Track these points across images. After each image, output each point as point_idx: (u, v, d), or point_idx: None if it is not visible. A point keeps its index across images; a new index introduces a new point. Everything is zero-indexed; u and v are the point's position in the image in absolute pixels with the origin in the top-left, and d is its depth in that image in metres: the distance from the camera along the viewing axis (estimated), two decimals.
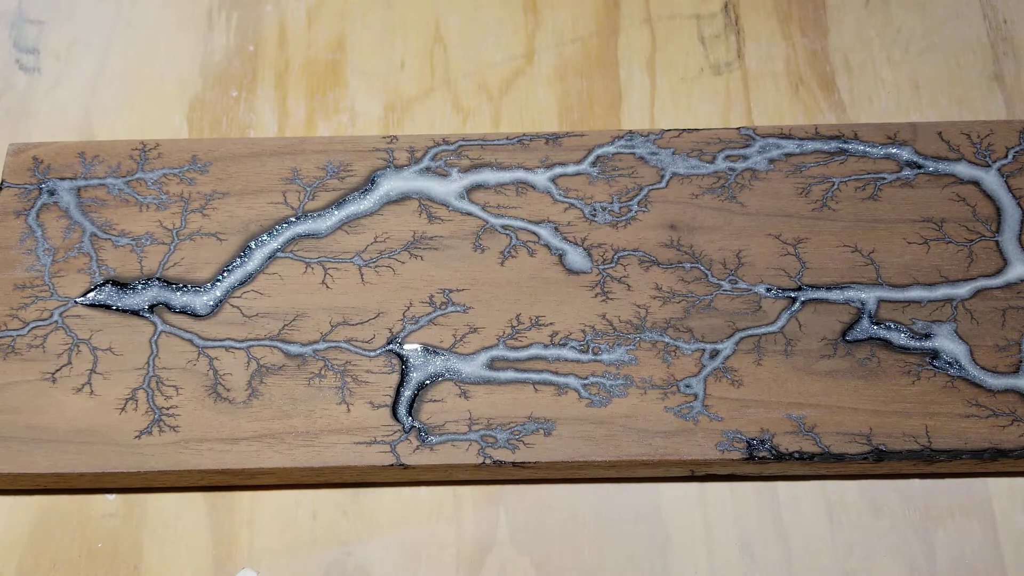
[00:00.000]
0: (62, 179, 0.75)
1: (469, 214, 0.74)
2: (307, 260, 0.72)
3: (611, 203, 0.74)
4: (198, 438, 0.67)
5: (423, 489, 0.69)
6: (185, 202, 0.74)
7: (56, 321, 0.70)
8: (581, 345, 0.69)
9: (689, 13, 0.85)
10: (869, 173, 0.74)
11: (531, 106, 0.81)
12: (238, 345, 0.70)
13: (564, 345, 0.69)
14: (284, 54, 0.83)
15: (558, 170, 0.75)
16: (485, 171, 0.75)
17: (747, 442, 0.66)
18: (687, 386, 0.68)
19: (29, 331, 0.70)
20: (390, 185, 0.75)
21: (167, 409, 0.68)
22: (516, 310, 0.71)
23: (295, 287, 0.72)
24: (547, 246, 0.73)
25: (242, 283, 0.72)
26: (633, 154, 0.75)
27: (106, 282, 0.72)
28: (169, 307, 0.71)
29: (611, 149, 0.75)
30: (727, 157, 0.75)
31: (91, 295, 0.71)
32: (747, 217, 0.73)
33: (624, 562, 0.67)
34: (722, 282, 0.71)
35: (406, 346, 0.70)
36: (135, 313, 0.71)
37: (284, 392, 0.68)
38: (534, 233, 0.73)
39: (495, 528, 0.68)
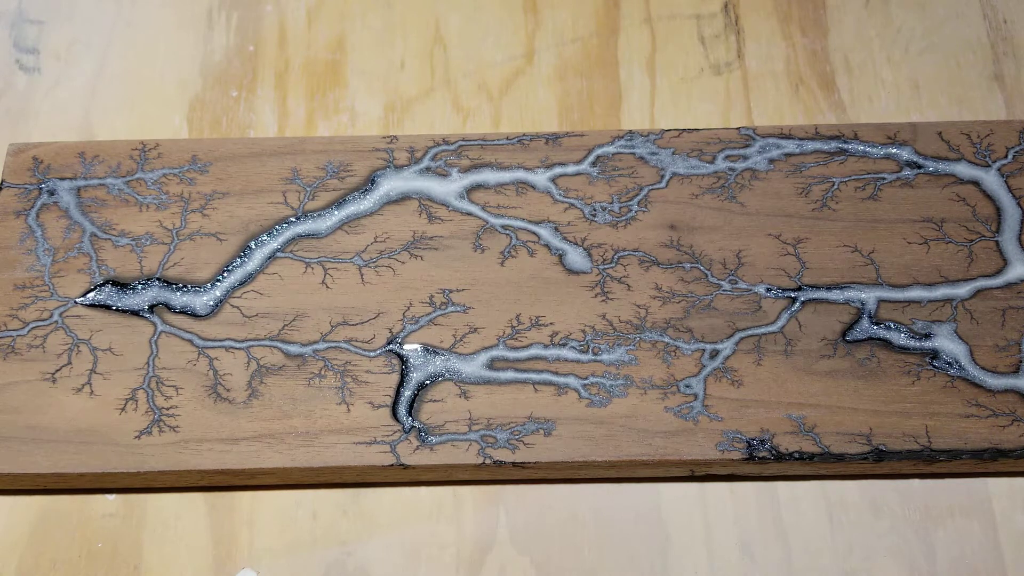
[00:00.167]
0: (62, 179, 0.75)
1: (469, 214, 0.74)
2: (307, 260, 0.72)
3: (611, 203, 0.74)
4: (198, 438, 0.67)
5: (423, 489, 0.69)
6: (185, 202, 0.74)
7: (56, 321, 0.70)
8: (581, 345, 0.69)
9: (689, 13, 0.85)
10: (869, 173, 0.74)
11: (531, 106, 0.81)
12: (238, 345, 0.70)
13: (564, 345, 0.69)
14: (284, 54, 0.83)
15: (558, 170, 0.75)
16: (485, 171, 0.75)
17: (747, 442, 0.66)
18: (687, 386, 0.68)
19: (29, 331, 0.70)
20: (390, 185, 0.75)
21: (167, 409, 0.68)
22: (516, 310, 0.71)
23: (295, 287, 0.72)
24: (547, 246, 0.73)
25: (242, 283, 0.72)
26: (633, 154, 0.75)
27: (106, 282, 0.72)
28: (169, 307, 0.71)
29: (611, 149, 0.75)
30: (727, 157, 0.75)
31: (91, 295, 0.71)
32: (747, 217, 0.73)
33: (624, 562, 0.67)
34: (722, 282, 0.71)
35: (406, 346, 0.70)
36: (135, 313, 0.71)
37: (284, 392, 0.68)
38: (534, 233, 0.73)
39: (495, 528, 0.68)
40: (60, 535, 0.68)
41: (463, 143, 0.76)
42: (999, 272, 0.71)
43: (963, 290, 0.71)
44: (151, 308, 0.71)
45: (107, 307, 0.71)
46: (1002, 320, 0.70)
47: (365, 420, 0.67)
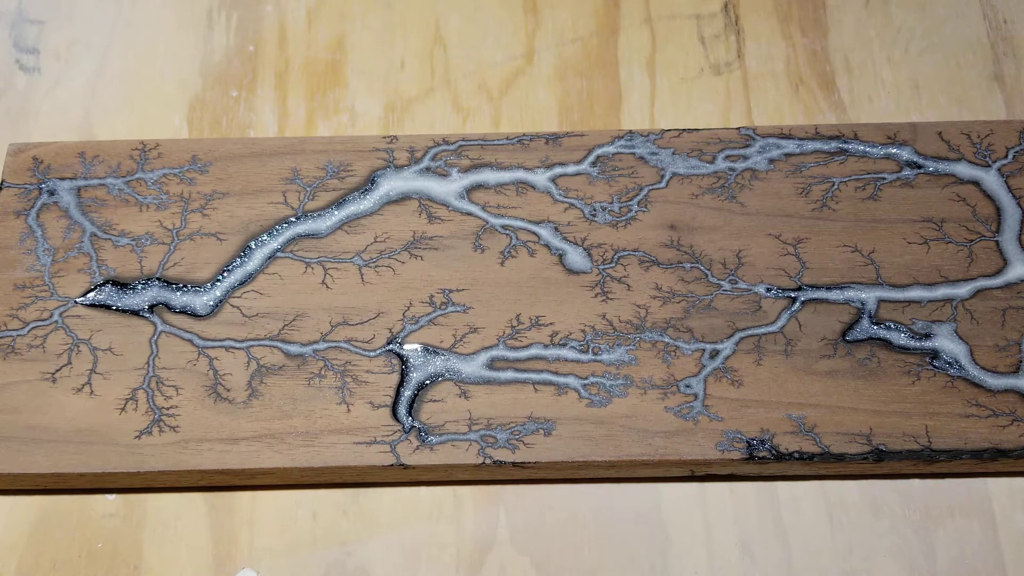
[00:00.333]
0: (62, 179, 0.75)
1: (469, 214, 0.74)
2: (307, 260, 0.72)
3: (611, 203, 0.74)
4: (198, 438, 0.67)
5: (423, 489, 0.69)
6: (185, 202, 0.74)
7: (56, 321, 0.70)
8: (581, 345, 0.69)
9: (689, 13, 0.85)
10: (869, 173, 0.74)
11: (531, 106, 0.81)
12: (238, 345, 0.70)
13: (564, 345, 0.69)
14: (284, 54, 0.83)
15: (558, 170, 0.75)
16: (485, 171, 0.75)
17: (747, 442, 0.66)
18: (687, 386, 0.68)
19: (29, 331, 0.70)
20: (390, 185, 0.75)
21: (167, 409, 0.68)
22: (516, 310, 0.71)
23: (295, 287, 0.72)
24: (547, 246, 0.73)
25: (242, 283, 0.72)
26: (633, 154, 0.75)
27: (106, 282, 0.72)
28: (169, 307, 0.71)
29: (611, 149, 0.75)
30: (727, 157, 0.75)
31: (91, 295, 0.71)
32: (747, 217, 0.73)
33: (624, 562, 0.67)
34: (722, 282, 0.71)
35: (406, 346, 0.70)
36: (135, 313, 0.71)
37: (284, 392, 0.68)
38: (534, 233, 0.73)
39: (495, 528, 0.68)
40: (60, 535, 0.68)
41: (463, 143, 0.76)
42: (999, 272, 0.71)
43: (963, 290, 0.71)
44: (151, 308, 0.71)
45: (107, 307, 0.71)
46: (1002, 320, 0.70)
47: (365, 420, 0.67)
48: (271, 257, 0.73)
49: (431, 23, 0.85)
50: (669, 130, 0.76)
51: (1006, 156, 0.75)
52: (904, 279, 0.71)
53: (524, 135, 0.76)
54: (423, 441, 0.67)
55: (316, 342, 0.70)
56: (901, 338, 0.69)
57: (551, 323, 0.70)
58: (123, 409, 0.68)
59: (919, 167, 0.75)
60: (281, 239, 0.73)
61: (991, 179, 0.74)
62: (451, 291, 0.71)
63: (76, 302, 0.71)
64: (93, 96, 0.82)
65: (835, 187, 0.74)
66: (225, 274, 0.72)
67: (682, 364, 0.69)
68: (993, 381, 0.68)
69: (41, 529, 0.68)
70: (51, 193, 0.74)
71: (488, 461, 0.66)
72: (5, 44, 0.84)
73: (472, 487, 0.69)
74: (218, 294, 0.71)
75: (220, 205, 0.74)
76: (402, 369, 0.69)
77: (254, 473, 0.67)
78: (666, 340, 0.69)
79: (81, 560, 0.67)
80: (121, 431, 0.67)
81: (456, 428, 0.67)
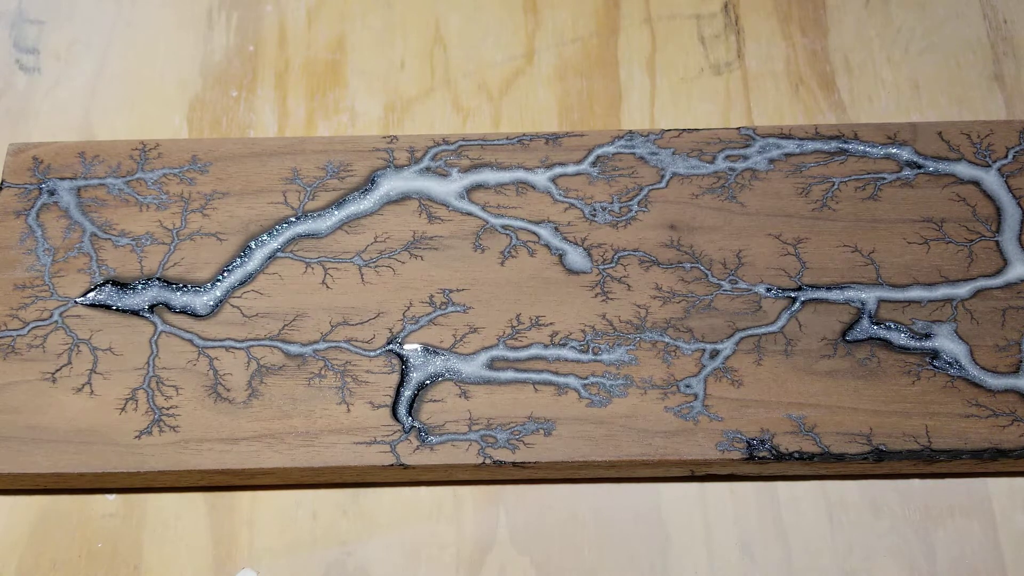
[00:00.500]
0: (62, 179, 0.75)
1: (469, 214, 0.74)
2: (307, 260, 0.72)
3: (611, 203, 0.74)
4: (198, 438, 0.67)
5: (423, 489, 0.69)
6: (185, 202, 0.74)
7: (56, 321, 0.70)
8: (581, 345, 0.69)
9: (689, 13, 0.85)
10: (869, 173, 0.74)
11: (531, 106, 0.81)
12: (238, 345, 0.70)
13: (564, 345, 0.69)
14: (284, 54, 0.83)
15: (558, 170, 0.75)
16: (485, 171, 0.75)
17: (747, 442, 0.66)
18: (687, 386, 0.68)
19: (29, 331, 0.70)
20: (390, 185, 0.75)
21: (167, 409, 0.68)
22: (516, 310, 0.71)
23: (295, 287, 0.72)
24: (547, 246, 0.73)
25: (242, 283, 0.72)
26: (633, 154, 0.75)
27: (106, 282, 0.72)
28: (169, 307, 0.71)
29: (611, 149, 0.75)
30: (727, 157, 0.75)
31: (91, 295, 0.71)
32: (747, 217, 0.73)
33: (624, 562, 0.67)
34: (722, 282, 0.71)
35: (406, 346, 0.70)
36: (135, 313, 0.71)
37: (284, 392, 0.68)
38: (534, 233, 0.73)
39: (495, 528, 0.68)
40: (60, 535, 0.68)
41: (463, 143, 0.76)
42: (999, 272, 0.71)
43: (963, 290, 0.71)
44: (151, 308, 0.71)
45: (107, 307, 0.71)
46: (1002, 320, 0.70)
47: (365, 420, 0.67)
48: (271, 257, 0.73)
49: (431, 23, 0.85)
50: (669, 130, 0.76)
51: (1006, 156, 0.75)
52: (904, 279, 0.71)
53: (524, 135, 0.76)
54: (423, 441, 0.67)
55: (316, 342, 0.70)
56: (901, 338, 0.69)
57: (551, 323, 0.70)
58: (123, 409, 0.68)
59: (919, 167, 0.75)
60: (281, 239, 0.73)
61: (991, 179, 0.74)
62: (451, 291, 0.71)
63: (76, 302, 0.71)
64: (93, 96, 0.82)
65: (835, 187, 0.74)
66: (225, 274, 0.72)
67: (682, 364, 0.69)
68: (993, 381, 0.68)
69: (41, 529, 0.68)
70: (51, 193, 0.74)
71: (488, 461, 0.66)
72: (5, 44, 0.84)
73: (472, 487, 0.69)
74: (218, 294, 0.71)
75: (220, 205, 0.74)
76: (402, 369, 0.69)
77: (254, 473, 0.67)
78: (666, 340, 0.69)
79: (81, 560, 0.67)
80: (121, 431, 0.67)
81: (456, 428, 0.67)
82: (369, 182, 0.75)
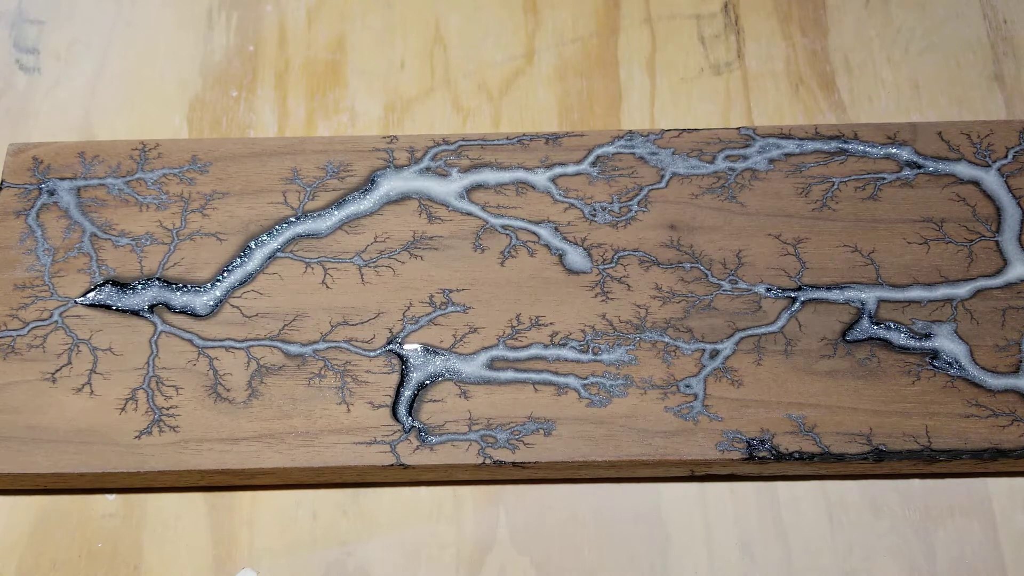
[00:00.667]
0: (62, 179, 0.75)
1: (469, 214, 0.74)
2: (307, 260, 0.72)
3: (611, 203, 0.74)
4: (198, 438, 0.67)
5: (423, 489, 0.69)
6: (185, 202, 0.74)
7: (56, 321, 0.70)
8: (581, 345, 0.69)
9: (689, 13, 0.85)
10: (869, 173, 0.74)
11: (531, 106, 0.81)
12: (238, 345, 0.70)
13: (564, 345, 0.69)
14: (284, 54, 0.83)
15: (558, 170, 0.75)
16: (485, 171, 0.75)
17: (747, 442, 0.66)
18: (687, 386, 0.68)
19: (29, 331, 0.70)
20: (390, 185, 0.75)
21: (167, 409, 0.68)
22: (516, 310, 0.71)
23: (295, 287, 0.72)
24: (547, 246, 0.73)
25: (242, 283, 0.72)
26: (633, 154, 0.75)
27: (106, 282, 0.72)
28: (169, 307, 0.71)
29: (611, 149, 0.75)
30: (727, 157, 0.75)
31: (91, 295, 0.71)
32: (747, 217, 0.73)
33: (624, 562, 0.67)
34: (722, 282, 0.71)
35: (406, 346, 0.70)
36: (135, 313, 0.71)
37: (284, 392, 0.68)
38: (534, 233, 0.73)
39: (495, 528, 0.68)
40: (60, 535, 0.68)
41: (463, 143, 0.76)
42: (999, 272, 0.71)
43: (963, 290, 0.71)
44: (151, 308, 0.71)
45: (107, 307, 0.71)
46: (1002, 320, 0.70)
47: (365, 420, 0.67)
48: (271, 257, 0.73)
49: (431, 23, 0.85)
50: (669, 130, 0.76)
51: (1006, 156, 0.75)
52: (904, 279, 0.71)
53: (524, 135, 0.76)
54: (423, 441, 0.67)
55: (316, 342, 0.70)
56: (901, 338, 0.69)
57: (551, 323, 0.70)
58: (123, 409, 0.68)
59: (919, 167, 0.75)
60: (281, 239, 0.73)
61: (991, 179, 0.74)
62: (451, 291, 0.71)
63: (76, 302, 0.71)
64: (93, 96, 0.82)
65: (835, 187, 0.74)
66: (225, 274, 0.72)
67: (682, 364, 0.69)
68: (993, 381, 0.68)
69: (41, 529, 0.68)
70: (51, 193, 0.74)
71: (488, 461, 0.66)
72: (5, 44, 0.84)
73: (472, 487, 0.69)
74: (218, 294, 0.71)
75: (220, 205, 0.74)
76: (402, 369, 0.69)
77: (254, 473, 0.67)
78: (666, 340, 0.69)
79: (81, 560, 0.67)
80: (121, 431, 0.67)
81: (456, 428, 0.67)
82: (369, 182, 0.75)
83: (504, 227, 0.73)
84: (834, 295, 0.71)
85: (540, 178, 0.75)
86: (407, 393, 0.68)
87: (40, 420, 0.67)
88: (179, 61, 0.83)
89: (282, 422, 0.67)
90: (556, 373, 0.69)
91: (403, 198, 0.74)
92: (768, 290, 0.71)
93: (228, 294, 0.71)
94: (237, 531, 0.68)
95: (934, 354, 0.69)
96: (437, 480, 0.68)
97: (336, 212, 0.74)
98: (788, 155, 0.75)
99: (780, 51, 0.83)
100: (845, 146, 0.75)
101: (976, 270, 0.71)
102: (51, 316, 0.71)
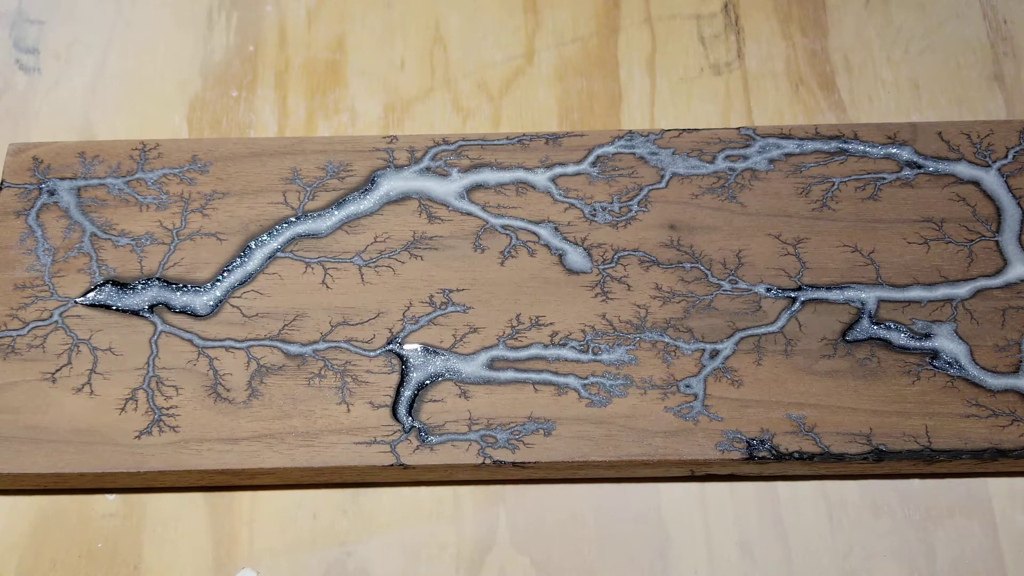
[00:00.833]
0: (62, 179, 0.75)
1: (469, 214, 0.74)
2: (307, 260, 0.72)
3: (611, 203, 0.74)
4: (198, 438, 0.67)
5: (423, 489, 0.69)
6: (185, 202, 0.74)
7: (56, 321, 0.70)
8: (581, 345, 0.69)
9: (689, 13, 0.85)
10: (869, 173, 0.74)
11: (531, 106, 0.81)
12: (238, 345, 0.70)
13: (564, 345, 0.69)
14: (284, 54, 0.83)
15: (558, 170, 0.75)
16: (485, 171, 0.75)
17: (747, 442, 0.66)
18: (687, 386, 0.68)
19: (29, 331, 0.70)
20: (390, 185, 0.75)
21: (167, 409, 0.68)
22: (516, 310, 0.71)
23: (295, 287, 0.72)
24: (547, 246, 0.73)
25: (242, 283, 0.72)
26: (633, 154, 0.75)
27: (106, 282, 0.72)
28: (169, 307, 0.71)
29: (611, 149, 0.75)
30: (727, 157, 0.75)
31: (91, 295, 0.71)
32: (747, 217, 0.73)
33: (624, 562, 0.67)
34: (722, 282, 0.71)
35: (406, 346, 0.70)
36: (135, 313, 0.71)
37: (284, 392, 0.68)
38: (534, 233, 0.73)
39: (495, 528, 0.68)
40: (60, 535, 0.68)
41: (463, 143, 0.76)
42: (999, 272, 0.71)
43: (963, 290, 0.71)
44: (151, 308, 0.71)
45: (107, 307, 0.71)
46: (1002, 320, 0.70)
47: (365, 420, 0.67)
48: (271, 257, 0.73)
49: (431, 23, 0.85)
50: (669, 130, 0.76)
51: (1006, 156, 0.75)
52: (904, 279, 0.71)
53: (524, 135, 0.76)
54: (423, 441, 0.67)
55: (316, 342, 0.70)
56: (901, 338, 0.69)
57: (551, 323, 0.70)
58: (123, 409, 0.68)
59: (919, 167, 0.75)
60: (281, 239, 0.73)
61: (991, 179, 0.74)
62: (451, 291, 0.71)
63: (76, 302, 0.71)
64: (93, 96, 0.82)
65: (835, 187, 0.74)
66: (225, 274, 0.72)
67: (682, 364, 0.69)
68: (993, 381, 0.68)
69: (41, 529, 0.68)
70: (51, 193, 0.74)
71: (488, 461, 0.66)
72: (5, 44, 0.84)
73: (472, 487, 0.69)
74: (218, 294, 0.71)
75: (220, 205, 0.74)
76: (402, 369, 0.69)
77: (254, 473, 0.67)
78: (666, 340, 0.69)
79: (81, 560, 0.67)
80: (121, 431, 0.67)
81: (456, 428, 0.67)
82: (369, 182, 0.75)
83: (504, 227, 0.73)
84: (834, 295, 0.71)
85: (540, 178, 0.75)
86: (407, 393, 0.68)
87: (40, 420, 0.67)
88: (179, 61, 0.83)
89: (282, 422, 0.67)
90: (556, 373, 0.69)
91: (403, 198, 0.74)
92: (768, 290, 0.71)
93: (228, 294, 0.71)
94: (237, 531, 0.68)
95: (934, 354, 0.69)
96: (437, 480, 0.68)
97: (336, 212, 0.74)
98: (788, 155, 0.75)
99: (780, 51, 0.83)
100: (845, 146, 0.75)
101: (976, 270, 0.71)
102: (51, 316, 0.71)
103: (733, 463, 0.66)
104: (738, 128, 0.76)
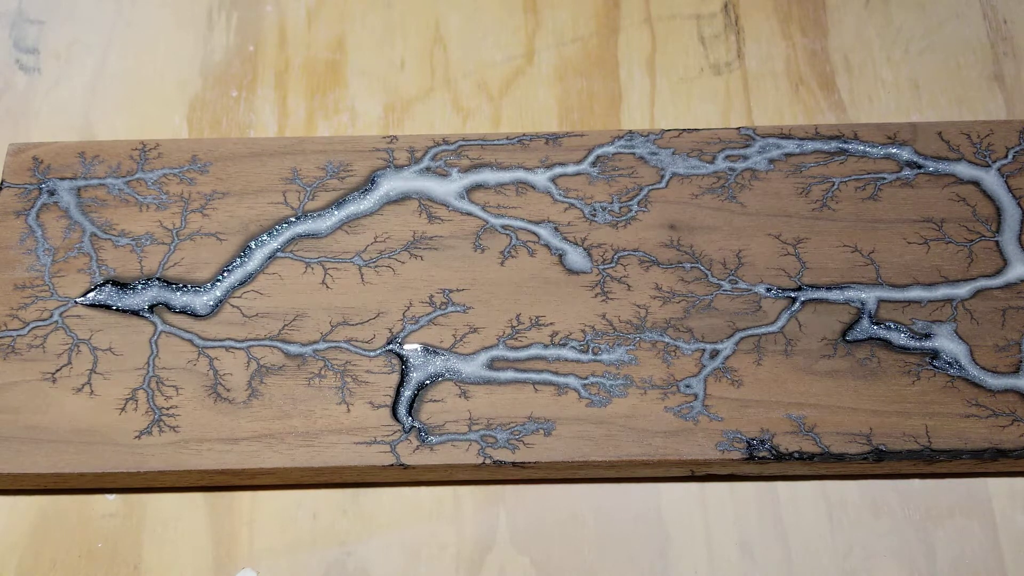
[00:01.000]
0: (62, 179, 0.75)
1: (469, 214, 0.74)
2: (307, 260, 0.72)
3: (611, 203, 0.74)
4: (198, 438, 0.67)
5: (423, 489, 0.69)
6: (185, 202, 0.74)
7: (56, 321, 0.70)
8: (581, 345, 0.69)
9: (689, 13, 0.85)
10: (869, 173, 0.74)
11: (531, 106, 0.81)
12: (238, 345, 0.70)
13: (564, 345, 0.69)
14: (284, 54, 0.83)
15: (558, 170, 0.75)
16: (485, 171, 0.75)
17: (747, 442, 0.66)
18: (687, 386, 0.68)
19: (29, 331, 0.70)
20: (390, 185, 0.75)
21: (167, 409, 0.68)
22: (516, 310, 0.71)
23: (295, 287, 0.72)
24: (547, 246, 0.73)
25: (242, 283, 0.72)
26: (633, 154, 0.75)
27: (106, 282, 0.72)
28: (169, 307, 0.71)
29: (611, 149, 0.75)
30: (727, 157, 0.75)
31: (91, 295, 0.71)
32: (747, 217, 0.73)
33: (624, 562, 0.67)
34: (722, 282, 0.71)
35: (406, 346, 0.70)
36: (135, 313, 0.71)
37: (284, 392, 0.68)
38: (534, 233, 0.73)
39: (495, 528, 0.68)
40: (60, 535, 0.68)
41: (463, 143, 0.76)
42: (999, 272, 0.71)
43: (963, 290, 0.71)
44: (151, 308, 0.71)
45: (107, 307, 0.71)
46: (1002, 320, 0.70)
47: (365, 420, 0.67)
48: (271, 257, 0.73)
49: (431, 23, 0.85)
50: (669, 130, 0.76)
51: (1006, 156, 0.75)
52: (904, 279, 0.71)
53: (524, 135, 0.76)
54: (423, 441, 0.67)
55: (316, 342, 0.70)
56: (901, 338, 0.69)
57: (551, 323, 0.70)
58: (123, 409, 0.68)
59: (919, 167, 0.75)
60: (281, 239, 0.73)
61: (991, 179, 0.74)
62: (451, 291, 0.71)
63: (76, 302, 0.71)
64: (93, 96, 0.82)
65: (835, 187, 0.74)
66: (225, 274, 0.72)
67: (682, 364, 0.69)
68: (993, 381, 0.68)
69: (41, 529, 0.68)
70: (51, 193, 0.74)
71: (488, 461, 0.66)
72: (5, 44, 0.84)
73: (472, 487, 0.69)
74: (218, 294, 0.71)
75: (220, 205, 0.74)
76: (402, 369, 0.69)
77: (254, 473, 0.67)
78: (666, 340, 0.69)
79: (81, 560, 0.67)
80: (121, 431, 0.67)
81: (456, 428, 0.67)
82: (369, 182, 0.75)
83: (504, 227, 0.73)
84: (834, 295, 0.71)
85: (540, 178, 0.75)
86: (407, 393, 0.68)
87: (40, 420, 0.67)
88: (179, 61, 0.83)
89: (282, 422, 0.67)
90: (556, 373, 0.69)
91: (403, 198, 0.74)
92: (768, 290, 0.71)
93: (228, 294, 0.71)
94: (237, 531, 0.68)
95: (934, 354, 0.69)
96: (437, 480, 0.68)
97: (336, 212, 0.74)
98: (788, 155, 0.75)
99: (780, 51, 0.83)
100: (845, 146, 0.75)
101: (976, 270, 0.71)
102: (51, 316, 0.71)
103: (733, 463, 0.66)
104: (738, 128, 0.76)
